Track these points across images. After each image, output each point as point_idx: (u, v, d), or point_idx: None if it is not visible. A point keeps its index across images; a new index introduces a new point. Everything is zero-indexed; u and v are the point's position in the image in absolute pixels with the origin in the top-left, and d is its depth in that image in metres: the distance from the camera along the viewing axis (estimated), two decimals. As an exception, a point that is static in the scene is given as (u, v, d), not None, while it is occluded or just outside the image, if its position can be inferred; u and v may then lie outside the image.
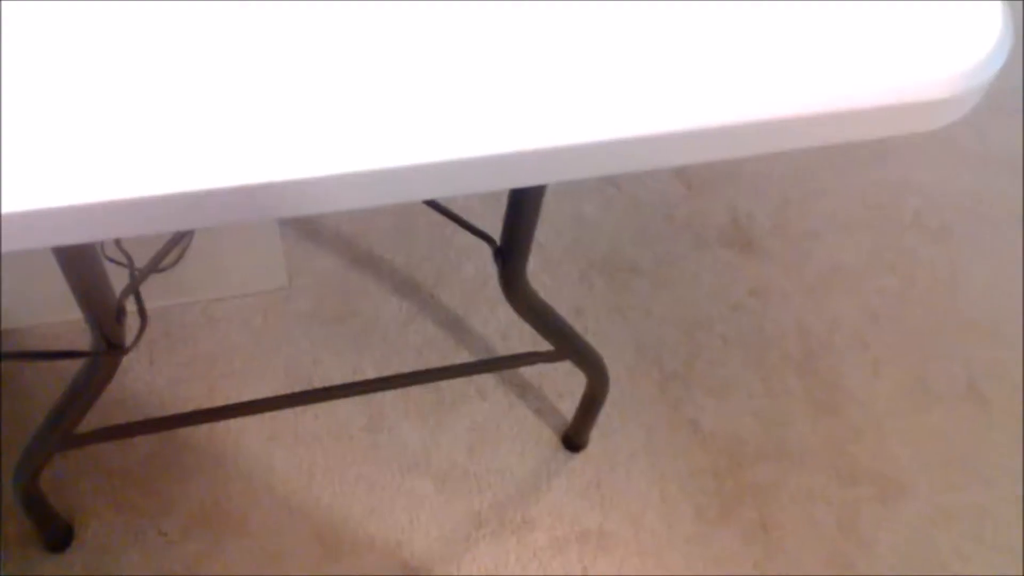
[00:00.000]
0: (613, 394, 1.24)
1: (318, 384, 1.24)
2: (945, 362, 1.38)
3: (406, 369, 1.24)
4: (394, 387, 1.24)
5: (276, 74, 0.46)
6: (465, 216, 1.17)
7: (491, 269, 1.35)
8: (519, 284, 1.10)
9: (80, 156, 0.43)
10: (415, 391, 1.26)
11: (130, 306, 0.89)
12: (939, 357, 1.38)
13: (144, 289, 0.95)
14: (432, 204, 1.21)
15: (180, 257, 1.26)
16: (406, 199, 0.47)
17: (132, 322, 0.90)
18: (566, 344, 1.11)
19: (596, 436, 1.25)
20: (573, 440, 1.24)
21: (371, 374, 1.26)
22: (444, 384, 1.27)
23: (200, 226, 0.46)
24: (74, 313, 0.85)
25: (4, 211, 0.41)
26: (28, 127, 0.43)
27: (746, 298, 1.39)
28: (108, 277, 0.82)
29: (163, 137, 0.44)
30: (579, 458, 1.24)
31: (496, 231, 1.07)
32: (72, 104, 0.44)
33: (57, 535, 1.10)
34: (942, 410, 1.34)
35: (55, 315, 1.22)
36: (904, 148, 1.55)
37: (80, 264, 0.77)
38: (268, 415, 1.21)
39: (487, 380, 1.28)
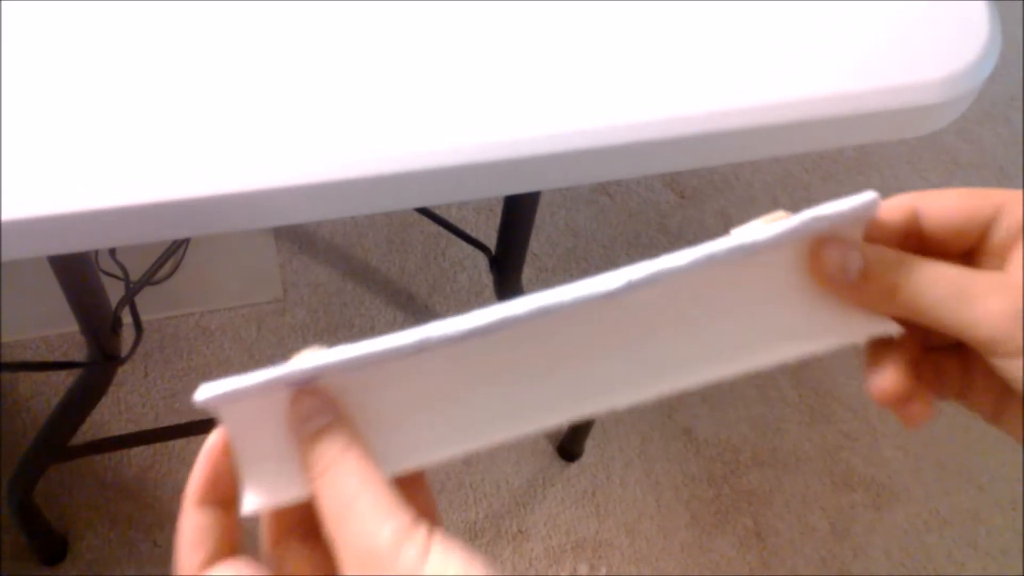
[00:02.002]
0: (608, 402, 1.24)
1: (313, 395, 1.23)
2: (937, 368, 1.38)
3: (401, 379, 1.23)
4: (389, 397, 1.23)
5: (270, 84, 0.47)
6: (460, 226, 1.17)
7: (486, 279, 1.35)
8: (514, 293, 1.10)
9: (77, 165, 0.43)
10: (410, 401, 1.26)
11: (125, 318, 0.89)
12: (931, 363, 1.38)
13: (139, 301, 0.95)
14: (427, 214, 1.21)
15: (175, 269, 1.26)
16: (401, 206, 0.48)
17: (127, 334, 0.90)
18: (560, 353, 1.11)
19: (591, 445, 1.25)
20: (568, 449, 1.24)
21: (366, 385, 1.26)
22: (439, 394, 1.27)
23: (194, 234, 0.46)
24: (70, 326, 0.85)
25: (3, 219, 0.41)
26: (24, 137, 0.43)
27: (739, 306, 1.39)
28: (104, 289, 0.82)
29: (156, 146, 0.44)
30: (574, 467, 1.24)
31: (491, 242, 1.08)
32: (68, 113, 0.44)
33: (52, 548, 1.10)
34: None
35: (51, 328, 1.22)
36: (898, 156, 1.56)
37: (76, 275, 0.77)
38: (263, 426, 1.21)
39: (482, 390, 1.28)
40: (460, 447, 0.31)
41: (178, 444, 1.18)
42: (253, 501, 0.30)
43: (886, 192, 0.32)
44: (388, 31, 0.49)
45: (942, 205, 0.32)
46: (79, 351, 0.91)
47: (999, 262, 0.31)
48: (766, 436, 1.30)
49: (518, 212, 0.93)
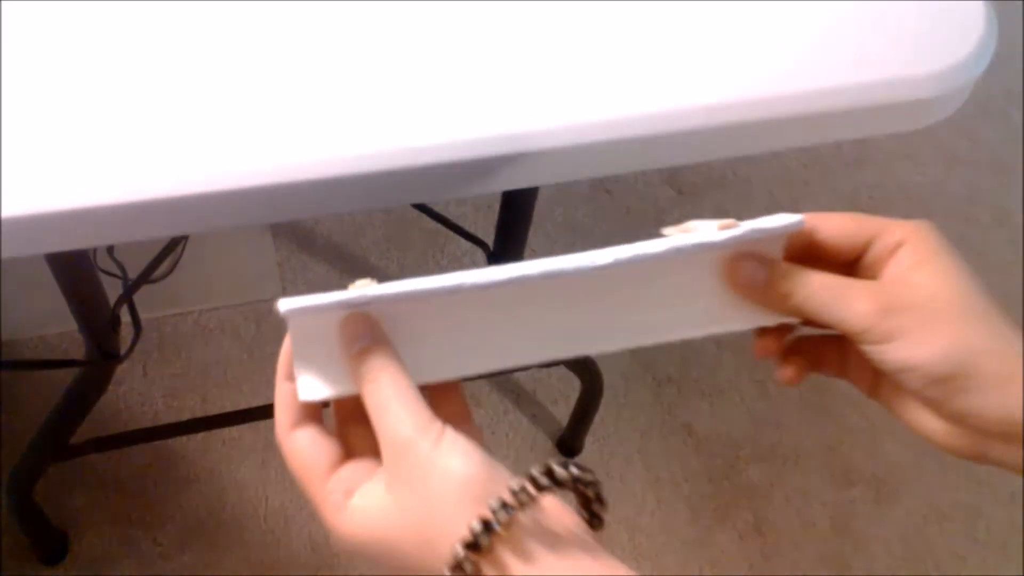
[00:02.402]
0: (607, 399, 1.24)
1: (312, 393, 1.23)
2: (936, 363, 1.38)
3: (400, 376, 1.23)
4: (388, 395, 1.23)
5: (267, 82, 0.47)
6: (458, 223, 1.17)
7: (484, 276, 1.35)
8: (512, 290, 1.10)
9: (74, 162, 0.43)
10: (409, 398, 1.25)
11: (124, 316, 0.89)
12: (930, 358, 1.38)
13: (137, 299, 0.95)
14: (425, 211, 1.21)
15: (173, 267, 1.26)
16: (399, 203, 0.48)
17: (126, 332, 0.90)
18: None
19: (591, 441, 1.25)
20: (568, 445, 1.24)
21: (365, 382, 1.26)
22: (438, 391, 1.26)
23: (192, 231, 0.46)
24: (69, 324, 0.85)
25: (1, 217, 0.41)
26: (22, 136, 0.43)
27: (738, 302, 1.39)
28: (102, 287, 0.82)
29: (153, 143, 0.44)
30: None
31: (489, 238, 1.07)
32: (65, 112, 0.44)
33: (52, 547, 1.10)
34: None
35: (50, 326, 1.22)
36: (896, 152, 1.56)
37: (74, 274, 0.77)
38: (262, 424, 1.21)
39: (481, 386, 1.28)
40: (473, 369, 0.40)
41: (177, 442, 1.18)
42: (308, 392, 0.38)
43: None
44: (384, 29, 0.49)
45: (835, 224, 0.41)
46: (78, 350, 0.91)
47: (873, 274, 0.41)
48: (766, 431, 1.30)
49: (516, 208, 0.93)
